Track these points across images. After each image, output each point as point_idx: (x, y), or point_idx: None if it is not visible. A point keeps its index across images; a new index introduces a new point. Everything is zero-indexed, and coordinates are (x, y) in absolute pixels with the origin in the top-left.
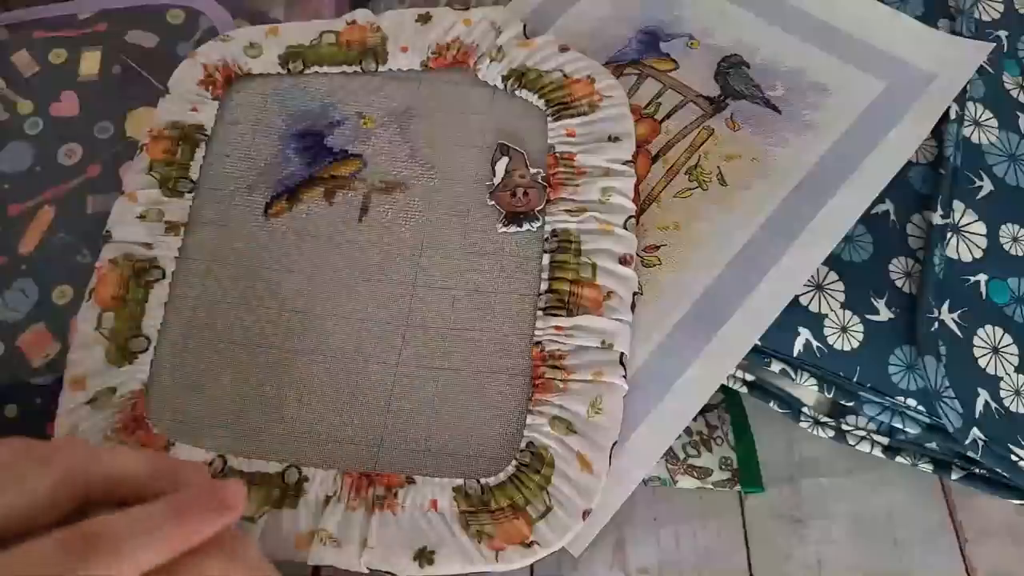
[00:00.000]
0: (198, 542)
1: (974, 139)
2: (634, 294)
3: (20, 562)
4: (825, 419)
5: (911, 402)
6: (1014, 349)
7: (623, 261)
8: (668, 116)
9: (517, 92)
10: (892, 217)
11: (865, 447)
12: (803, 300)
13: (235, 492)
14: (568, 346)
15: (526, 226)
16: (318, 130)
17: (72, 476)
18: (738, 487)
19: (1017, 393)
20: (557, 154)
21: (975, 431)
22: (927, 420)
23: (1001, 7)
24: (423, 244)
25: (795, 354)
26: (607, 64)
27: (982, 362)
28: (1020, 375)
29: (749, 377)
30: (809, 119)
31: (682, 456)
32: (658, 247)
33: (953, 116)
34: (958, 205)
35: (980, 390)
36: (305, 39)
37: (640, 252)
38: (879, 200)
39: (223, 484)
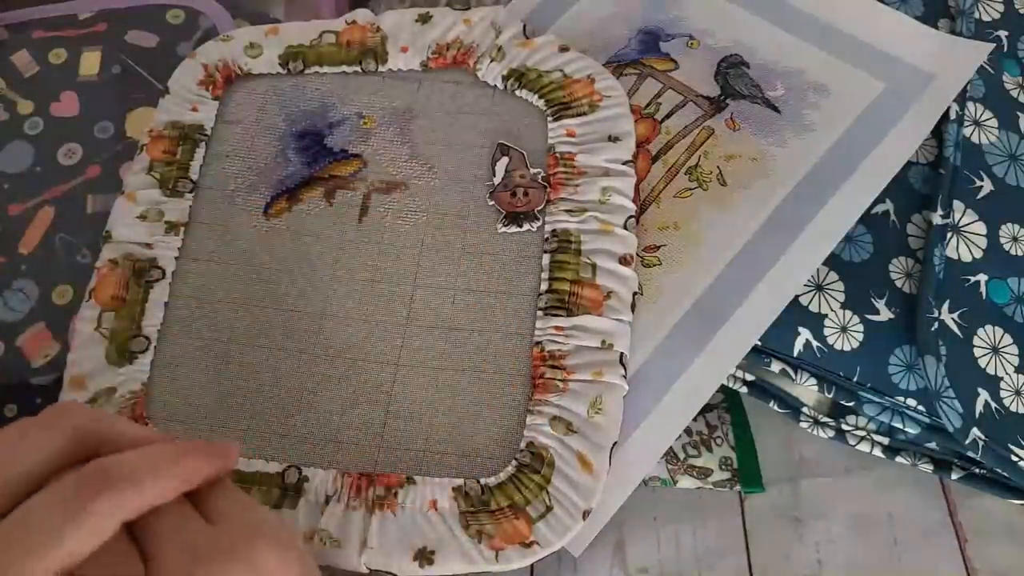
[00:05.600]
0: (200, 480)
1: (974, 139)
2: (634, 294)
3: (39, 504)
4: (825, 419)
5: (911, 402)
6: (1014, 349)
7: (623, 261)
8: (668, 116)
9: (517, 92)
10: (892, 217)
11: (865, 447)
12: (803, 300)
13: (229, 444)
14: (568, 346)
15: (526, 226)
16: (318, 130)
17: (81, 434)
18: (738, 487)
19: (1017, 393)
20: (557, 154)
21: (975, 431)
22: (927, 420)
23: (1001, 7)
24: (423, 244)
25: (795, 354)
26: (607, 64)
27: (982, 362)
28: (1020, 375)
29: (749, 377)
30: (809, 119)
31: (682, 456)
32: (658, 247)
33: (953, 116)
34: (958, 205)
35: (980, 390)
36: (305, 39)
37: (640, 252)
38: (879, 200)
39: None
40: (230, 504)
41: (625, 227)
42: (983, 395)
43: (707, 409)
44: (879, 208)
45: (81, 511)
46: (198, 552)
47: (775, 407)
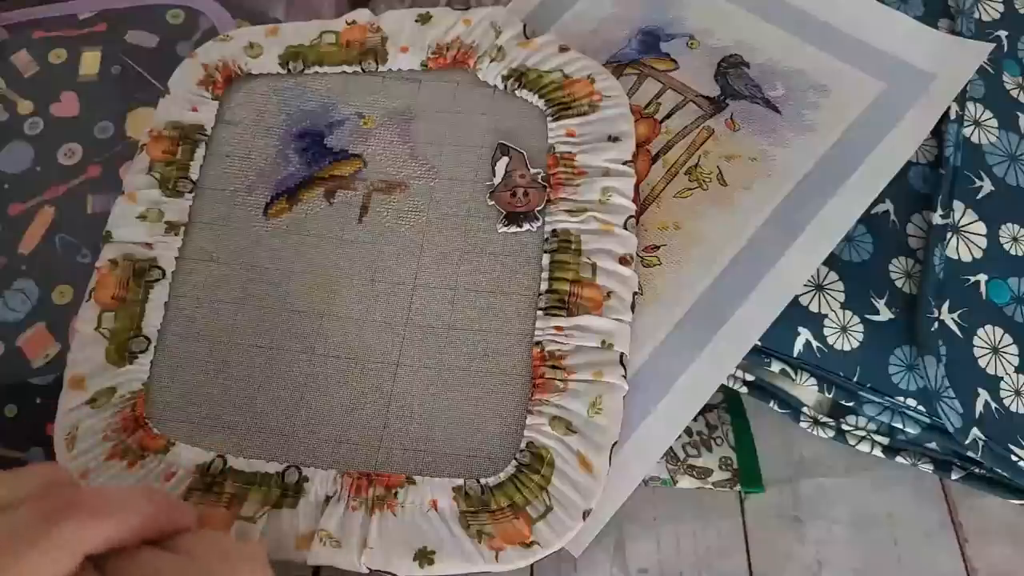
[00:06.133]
0: (165, 523)
1: (974, 139)
2: (634, 294)
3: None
4: (825, 419)
5: (911, 402)
6: (1014, 349)
7: (623, 261)
8: (668, 116)
9: (517, 92)
10: (892, 217)
11: (865, 447)
12: (803, 300)
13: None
14: (568, 346)
15: (526, 226)
16: (318, 130)
17: (55, 484)
18: (738, 487)
19: (1017, 393)
20: (557, 154)
21: (975, 431)
22: (927, 420)
23: (1001, 7)
24: (423, 244)
25: (795, 354)
26: (607, 64)
27: (982, 362)
28: (1020, 375)
29: (749, 377)
30: (809, 119)
31: (682, 456)
32: (658, 247)
33: (953, 116)
34: (958, 205)
35: (980, 390)
36: (305, 39)
37: (640, 252)
38: (879, 200)
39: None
40: (203, 538)
41: (625, 227)
42: (983, 395)
43: (707, 409)
44: (879, 208)
45: (43, 537)
46: None
47: (775, 407)
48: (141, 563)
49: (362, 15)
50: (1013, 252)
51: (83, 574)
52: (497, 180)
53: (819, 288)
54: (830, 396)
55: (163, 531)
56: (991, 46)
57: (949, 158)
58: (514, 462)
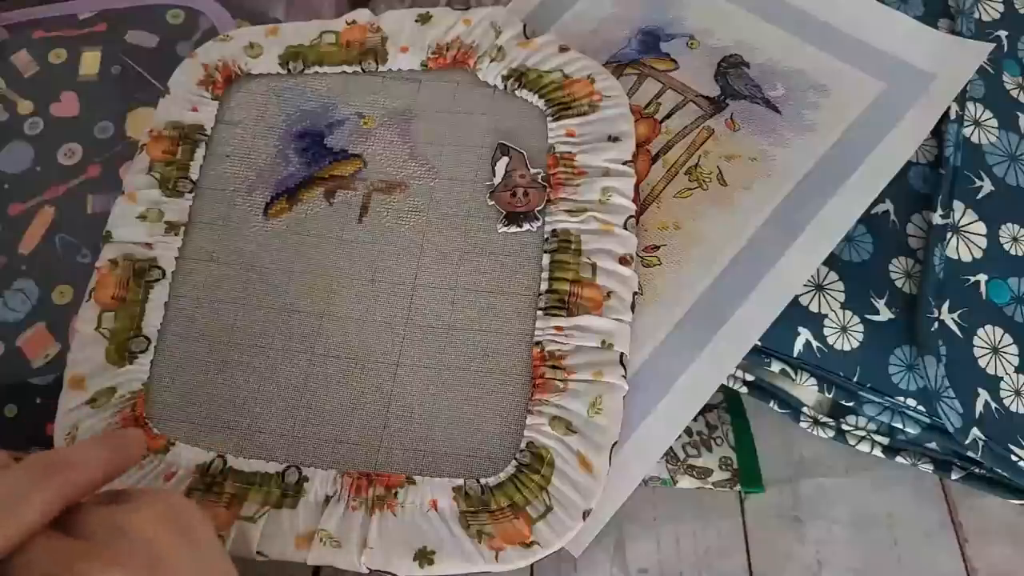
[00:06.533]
0: (123, 466)
1: (974, 139)
2: (634, 294)
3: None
4: (825, 419)
5: (911, 402)
6: (1014, 349)
7: (623, 261)
8: (668, 116)
9: (517, 92)
10: (892, 217)
11: (865, 447)
12: (803, 300)
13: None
14: (568, 346)
15: (526, 226)
16: (318, 130)
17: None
18: (738, 487)
19: (1017, 393)
20: (557, 154)
21: (975, 431)
22: (927, 420)
23: (1001, 7)
24: (423, 244)
25: (795, 354)
26: (607, 64)
27: (982, 362)
28: (1020, 375)
29: (749, 377)
30: (809, 119)
31: (682, 456)
32: (658, 247)
33: (953, 116)
34: (958, 205)
35: (980, 390)
36: (305, 39)
37: (640, 252)
38: (879, 200)
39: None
40: (146, 490)
41: (625, 227)
42: (983, 395)
43: (707, 409)
44: (879, 208)
45: (42, 484)
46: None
47: (775, 407)
48: (92, 512)
49: (362, 15)
50: (1013, 252)
51: (43, 531)
52: (497, 180)
53: (819, 288)
54: (830, 396)
55: (121, 471)
56: (991, 46)
57: (949, 158)
58: (514, 462)
